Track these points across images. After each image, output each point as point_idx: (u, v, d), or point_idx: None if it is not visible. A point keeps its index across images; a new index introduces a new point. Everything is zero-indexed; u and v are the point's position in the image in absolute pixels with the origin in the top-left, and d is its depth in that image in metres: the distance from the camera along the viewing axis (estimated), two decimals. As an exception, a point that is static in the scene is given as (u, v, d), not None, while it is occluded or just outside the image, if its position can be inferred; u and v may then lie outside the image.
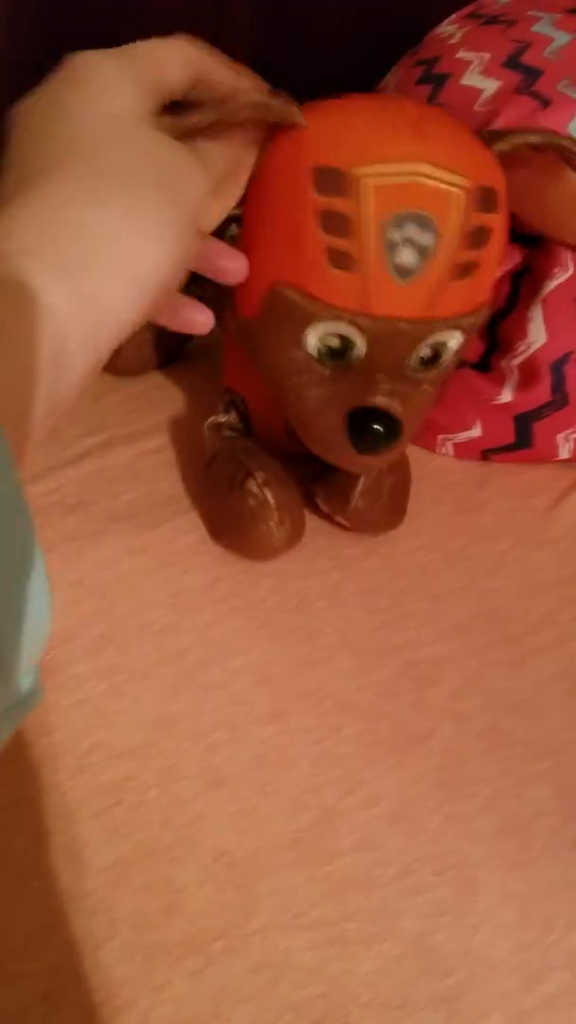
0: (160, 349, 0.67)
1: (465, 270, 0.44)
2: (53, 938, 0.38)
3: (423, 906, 0.39)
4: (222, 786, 0.43)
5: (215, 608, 0.51)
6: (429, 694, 0.46)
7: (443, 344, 0.45)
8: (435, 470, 0.58)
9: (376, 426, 0.43)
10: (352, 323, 0.43)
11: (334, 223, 0.42)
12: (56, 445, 0.61)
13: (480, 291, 0.46)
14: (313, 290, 0.44)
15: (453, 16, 0.71)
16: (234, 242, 0.48)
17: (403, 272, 0.43)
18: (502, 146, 0.46)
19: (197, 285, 0.45)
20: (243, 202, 0.45)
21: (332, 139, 0.43)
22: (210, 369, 0.67)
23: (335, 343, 0.44)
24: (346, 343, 0.44)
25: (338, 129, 0.43)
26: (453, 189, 0.42)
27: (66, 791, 0.42)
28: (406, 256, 0.43)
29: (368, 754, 0.44)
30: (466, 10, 0.72)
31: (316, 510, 0.55)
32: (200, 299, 0.46)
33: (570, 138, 0.48)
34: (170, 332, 0.64)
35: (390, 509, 0.54)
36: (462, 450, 0.59)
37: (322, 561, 0.53)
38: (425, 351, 0.45)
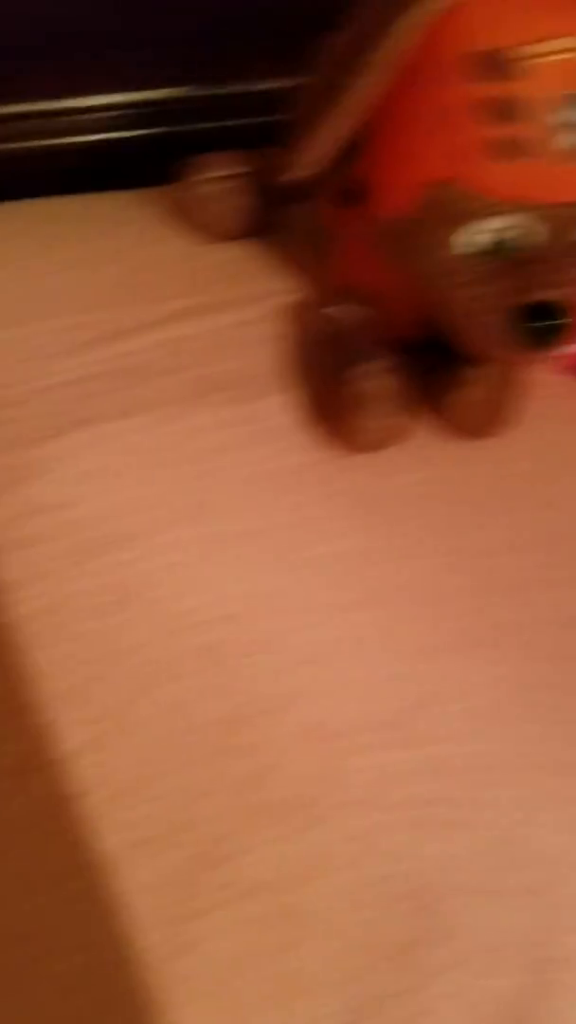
0: (253, 217, 0.64)
1: None
2: (147, 790, 0.38)
3: (509, 800, 0.39)
4: (316, 663, 0.43)
5: (310, 491, 0.50)
6: (525, 597, 0.46)
7: None
8: (539, 382, 0.57)
9: (550, 320, 0.42)
10: (523, 214, 0.41)
11: (500, 109, 0.40)
12: (147, 303, 0.59)
13: None
14: (478, 183, 0.41)
15: None
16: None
17: (576, 157, 0.41)
18: None
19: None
20: (384, 94, 0.43)
21: (489, 19, 0.40)
22: (303, 243, 0.64)
23: (498, 237, 0.42)
24: (511, 236, 0.42)
25: (499, 8, 0.40)
26: None
27: (163, 648, 0.42)
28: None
29: (461, 648, 0.44)
30: None
31: (423, 406, 0.53)
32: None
33: None
34: (265, 198, 0.61)
35: (495, 416, 0.53)
36: (566, 365, 0.58)
37: (422, 458, 0.52)
38: None
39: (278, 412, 0.54)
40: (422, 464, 0.52)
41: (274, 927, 0.35)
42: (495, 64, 0.39)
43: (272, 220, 0.65)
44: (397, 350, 0.52)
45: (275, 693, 0.41)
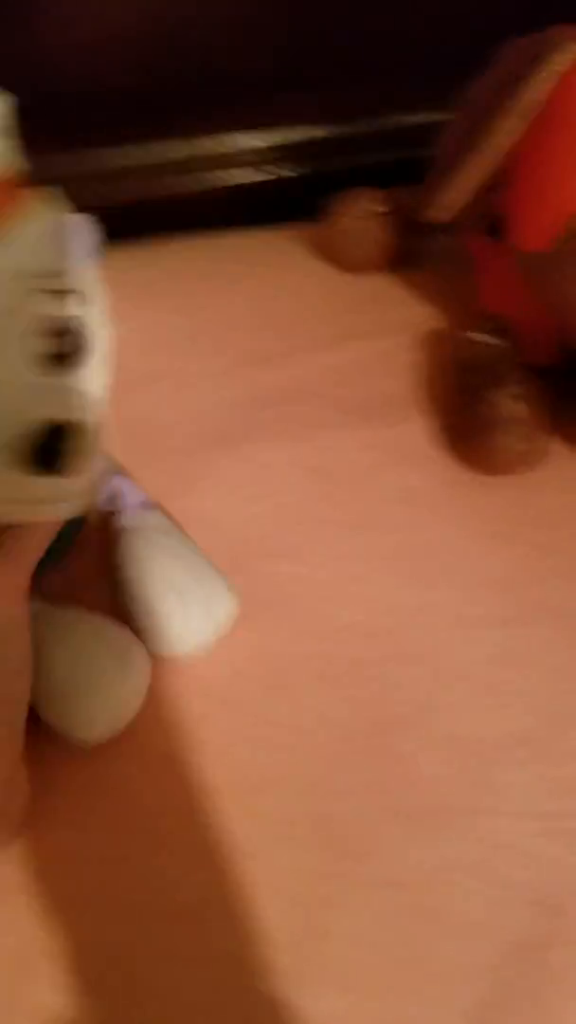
0: (394, 250, 0.67)
1: None
2: (285, 785, 0.41)
3: None
4: (456, 678, 0.44)
5: (450, 512, 0.52)
6: None
7: None
8: None
9: None
10: None
11: None
12: (292, 334, 0.63)
13: None
14: None
15: None
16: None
17: None
18: None
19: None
20: (525, 136, 0.44)
21: None
22: (445, 273, 0.66)
23: None
24: None
25: None
26: None
27: (305, 658, 0.45)
28: None
29: (603, 670, 0.45)
30: None
31: (561, 432, 0.55)
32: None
33: None
34: (405, 233, 0.64)
35: None
36: None
37: (560, 481, 0.53)
38: None
39: (421, 435, 0.56)
40: (563, 486, 0.53)
41: (404, 920, 0.37)
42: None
43: (415, 251, 0.68)
44: (536, 375, 0.54)
45: (423, 705, 0.43)
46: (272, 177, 0.76)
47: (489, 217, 0.57)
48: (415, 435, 0.56)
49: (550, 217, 0.45)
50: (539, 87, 0.43)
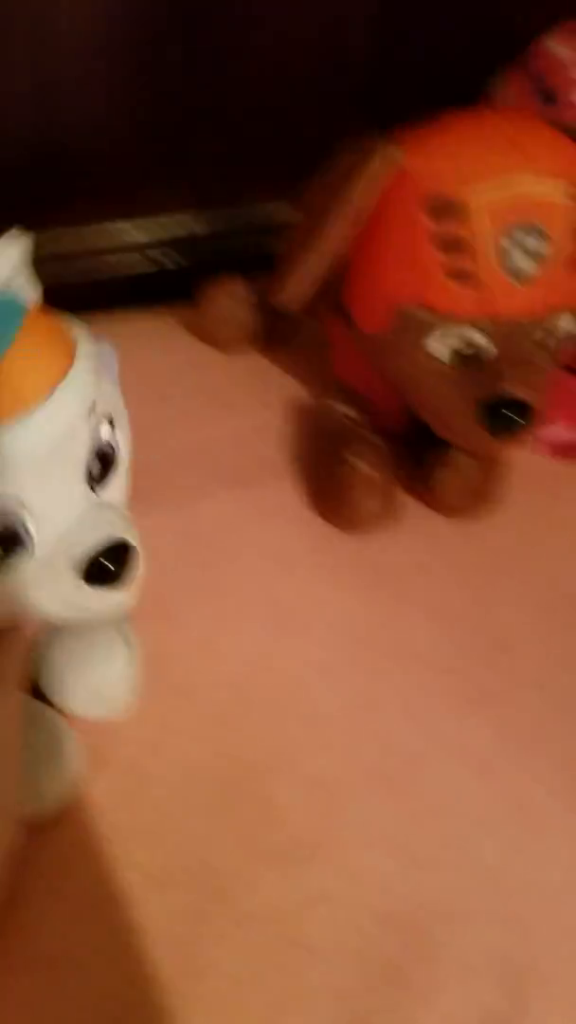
0: (260, 331, 0.72)
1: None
2: (164, 837, 0.43)
3: (494, 841, 0.43)
4: (318, 723, 0.48)
5: (312, 567, 0.56)
6: (512, 662, 0.51)
7: (561, 330, 0.50)
8: (524, 465, 0.62)
9: (510, 413, 0.49)
10: (478, 328, 0.48)
11: (450, 244, 0.47)
12: (166, 407, 0.67)
13: None
14: (438, 305, 0.49)
15: (560, 31, 0.75)
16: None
17: (520, 277, 0.48)
18: None
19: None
20: (355, 234, 0.50)
21: (437, 169, 0.48)
22: (306, 350, 0.72)
23: (461, 346, 0.49)
24: (471, 345, 0.49)
25: (440, 157, 0.48)
26: (557, 195, 0.47)
27: (178, 713, 0.48)
28: (521, 263, 0.47)
29: (453, 709, 0.49)
30: (573, 26, 0.75)
31: (413, 490, 0.60)
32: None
33: None
34: (270, 316, 0.69)
35: (477, 497, 0.58)
36: (547, 447, 0.64)
37: (414, 535, 0.58)
38: (543, 337, 0.49)
39: (292, 497, 0.60)
40: (416, 541, 0.58)
41: (276, 953, 0.39)
42: (444, 206, 0.47)
43: (281, 331, 0.74)
44: (389, 438, 0.59)
45: (287, 750, 0.46)
46: (149, 264, 0.81)
47: (336, 302, 0.63)
48: (286, 498, 0.60)
49: (381, 305, 0.51)
50: (363, 192, 0.48)
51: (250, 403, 0.67)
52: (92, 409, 0.36)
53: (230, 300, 0.70)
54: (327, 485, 0.57)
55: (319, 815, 0.44)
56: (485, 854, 0.43)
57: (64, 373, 0.35)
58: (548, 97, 0.65)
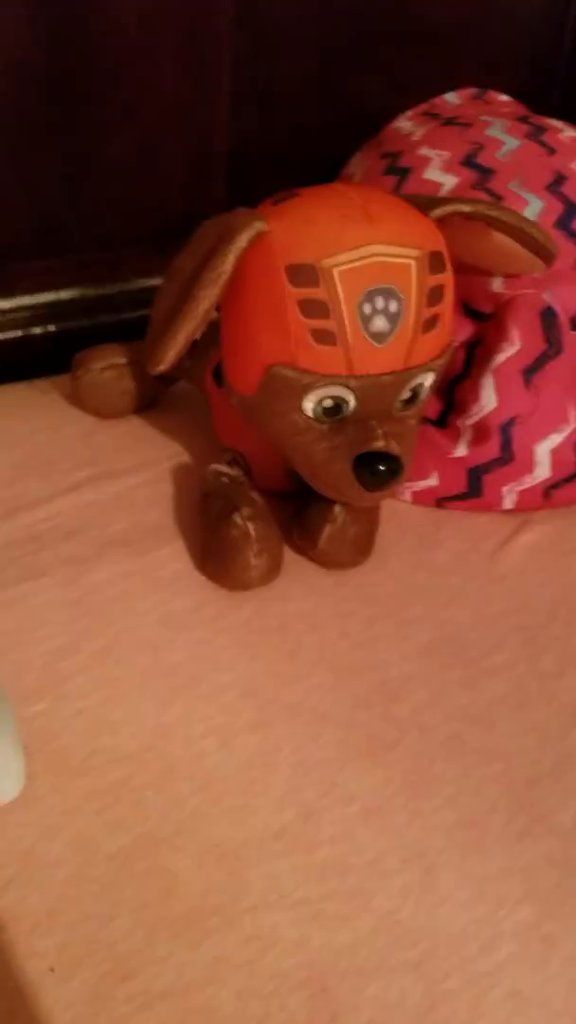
0: (139, 397, 0.73)
1: (430, 323, 0.52)
2: (60, 920, 0.42)
3: (392, 888, 0.44)
4: (213, 786, 0.48)
5: (202, 629, 0.56)
6: (398, 707, 0.52)
7: (421, 385, 0.53)
8: (395, 513, 0.65)
9: (381, 466, 0.51)
10: (343, 385, 0.50)
11: (313, 308, 0.50)
12: (50, 477, 0.67)
13: (444, 336, 0.54)
14: (304, 365, 0.51)
15: (409, 112, 0.81)
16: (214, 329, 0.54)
17: (379, 337, 0.50)
18: (438, 212, 0.54)
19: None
20: (224, 300, 0.52)
21: (297, 239, 0.51)
22: (185, 414, 0.74)
23: (330, 404, 0.51)
24: (339, 402, 0.51)
25: (299, 228, 0.51)
26: (408, 260, 0.50)
27: (69, 791, 0.47)
28: (379, 324, 0.50)
29: (344, 759, 0.50)
30: (421, 108, 0.81)
31: (293, 546, 0.61)
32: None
33: (493, 205, 0.56)
34: (147, 382, 0.72)
35: (356, 549, 0.61)
36: (419, 497, 0.67)
37: (299, 589, 0.59)
38: (407, 394, 0.52)
39: (176, 560, 0.61)
40: (299, 595, 0.59)
41: (182, 1028, 0.39)
42: (304, 274, 0.49)
43: (159, 396, 0.75)
44: (271, 496, 0.60)
45: (183, 817, 0.46)
46: (22, 335, 0.81)
47: (212, 366, 0.64)
48: (171, 560, 0.61)
49: (253, 367, 0.53)
50: (225, 260, 0.50)
51: (133, 467, 0.68)
52: None
53: (106, 367, 0.71)
54: (215, 547, 0.58)
55: (219, 881, 0.44)
56: (384, 903, 0.44)
57: None
58: (396, 170, 0.70)
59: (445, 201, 0.54)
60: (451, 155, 0.68)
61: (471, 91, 0.83)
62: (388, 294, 0.50)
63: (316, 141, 0.87)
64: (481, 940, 0.43)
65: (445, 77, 0.81)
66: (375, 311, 0.49)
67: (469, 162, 0.67)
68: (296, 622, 0.57)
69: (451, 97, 0.82)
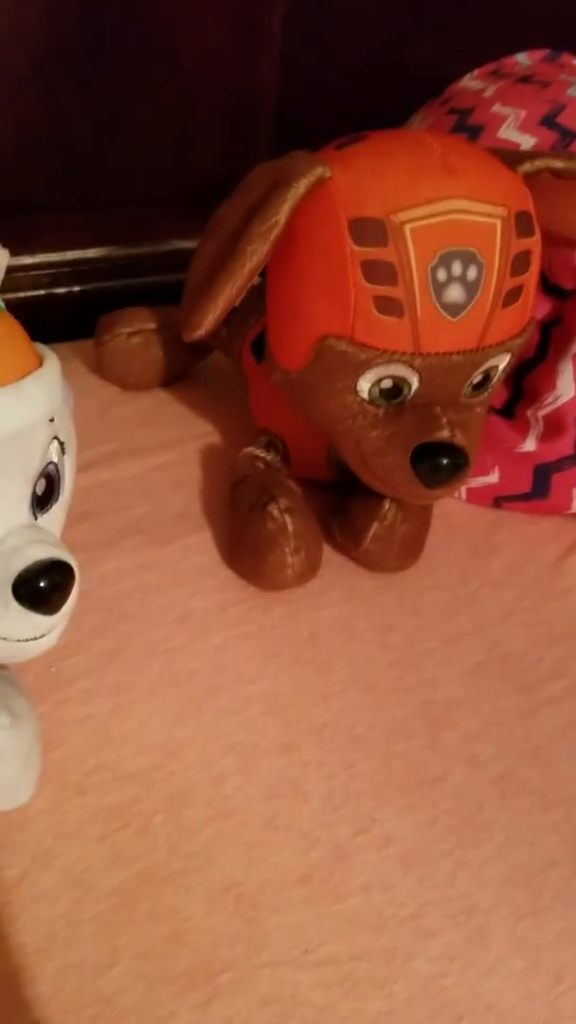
0: (167, 367, 0.67)
1: (512, 296, 0.45)
2: (48, 966, 0.36)
3: (434, 949, 0.38)
4: (231, 816, 0.42)
5: (225, 633, 0.50)
6: (443, 736, 0.46)
7: (495, 368, 0.46)
8: (445, 513, 0.59)
9: (444, 459, 0.44)
10: (406, 364, 0.44)
11: (378, 272, 0.43)
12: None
13: (525, 312, 0.47)
14: (363, 338, 0.44)
15: (475, 72, 0.74)
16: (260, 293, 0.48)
17: (453, 310, 0.44)
18: (527, 168, 0.47)
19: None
20: (273, 259, 0.46)
21: (364, 189, 0.44)
22: (218, 389, 0.67)
23: (389, 385, 0.45)
24: (400, 384, 0.45)
25: (368, 177, 0.44)
26: (493, 220, 0.43)
27: (68, 811, 0.41)
28: (454, 294, 0.43)
29: (381, 793, 0.43)
30: (488, 67, 0.74)
31: (333, 543, 0.55)
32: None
33: None
34: (178, 351, 0.65)
35: (404, 551, 0.54)
36: (475, 495, 0.60)
37: (335, 593, 0.53)
38: (477, 377, 0.46)
39: (199, 553, 0.55)
40: (337, 599, 0.53)
41: None
42: (370, 230, 0.43)
43: (190, 368, 0.69)
44: (311, 485, 0.54)
45: (186, 852, 0.40)
46: (44, 294, 0.75)
47: (252, 337, 0.58)
48: (194, 553, 0.55)
49: (303, 339, 0.46)
50: (280, 211, 0.44)
51: (154, 447, 0.62)
52: (53, 420, 0.35)
53: (134, 333, 0.64)
54: (245, 539, 0.52)
55: (233, 929, 0.38)
56: (424, 967, 0.38)
57: (33, 369, 0.34)
58: (465, 127, 0.63)
59: (534, 155, 0.47)
60: (528, 114, 0.61)
61: (543, 52, 0.76)
62: (467, 258, 0.43)
63: (371, 104, 0.80)
64: (534, 1021, 0.37)
65: (508, 41, 0.74)
66: (450, 278, 0.42)
67: (549, 122, 0.60)
68: (329, 632, 0.51)
69: (522, 58, 0.75)
